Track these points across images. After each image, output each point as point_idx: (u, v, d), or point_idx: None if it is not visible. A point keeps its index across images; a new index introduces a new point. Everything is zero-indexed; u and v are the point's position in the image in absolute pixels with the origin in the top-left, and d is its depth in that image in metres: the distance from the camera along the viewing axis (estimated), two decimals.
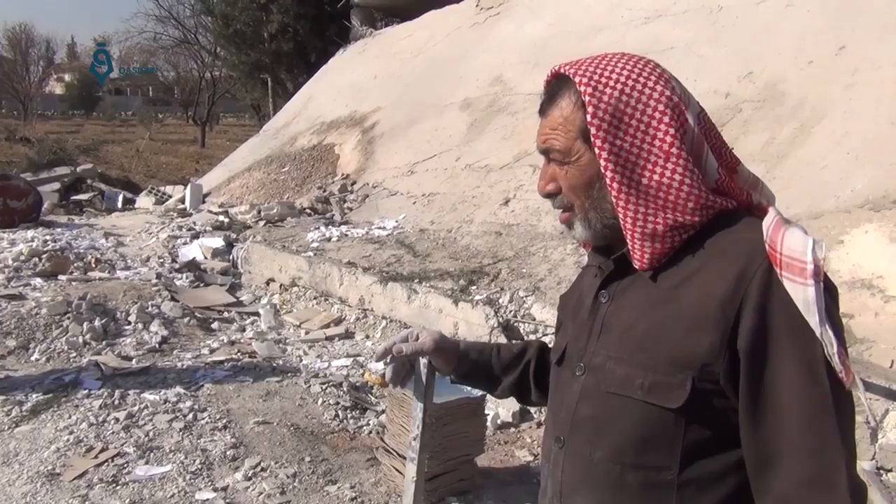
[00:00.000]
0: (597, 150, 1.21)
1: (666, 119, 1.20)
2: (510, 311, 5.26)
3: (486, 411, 4.10)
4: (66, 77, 50.27)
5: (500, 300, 5.37)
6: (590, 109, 1.20)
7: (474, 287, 5.68)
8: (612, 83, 1.21)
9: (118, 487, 3.73)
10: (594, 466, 1.26)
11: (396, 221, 8.00)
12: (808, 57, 6.34)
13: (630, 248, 1.25)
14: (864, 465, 3.48)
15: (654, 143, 1.20)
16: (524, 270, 5.82)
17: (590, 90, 1.21)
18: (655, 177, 1.20)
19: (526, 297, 5.34)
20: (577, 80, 1.23)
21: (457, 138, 9.06)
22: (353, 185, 9.81)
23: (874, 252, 4.32)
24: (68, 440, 4.21)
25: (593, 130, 1.20)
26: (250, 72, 21.28)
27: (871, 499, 3.26)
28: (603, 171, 1.22)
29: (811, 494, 1.09)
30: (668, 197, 1.20)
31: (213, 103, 36.15)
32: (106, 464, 3.95)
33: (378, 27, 15.12)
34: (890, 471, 3.48)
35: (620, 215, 1.23)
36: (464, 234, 7.06)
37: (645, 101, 1.21)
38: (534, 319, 5.14)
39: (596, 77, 1.22)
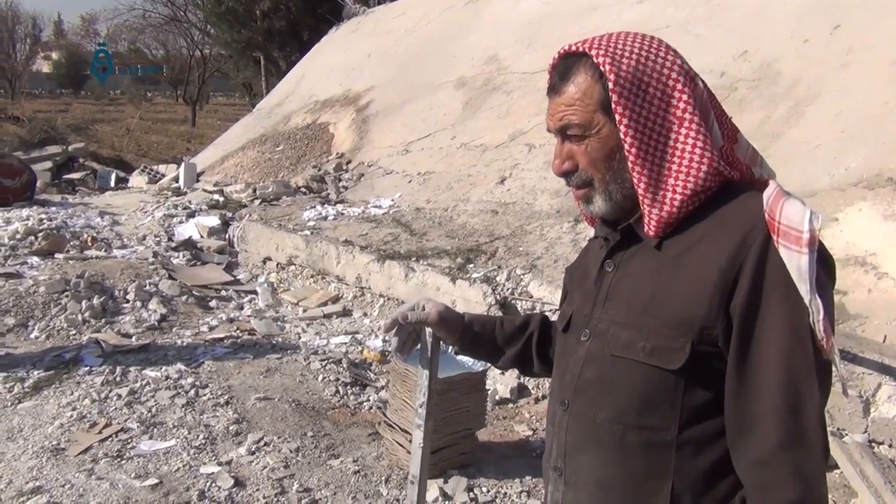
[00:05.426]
0: (618, 119, 1.25)
1: (679, 86, 1.25)
2: (507, 289, 5.31)
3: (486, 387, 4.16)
4: (54, 55, 49.63)
5: (498, 278, 5.42)
6: (611, 78, 1.24)
7: (471, 265, 5.73)
8: (627, 54, 1.25)
9: (123, 462, 3.78)
10: (597, 427, 1.32)
11: (392, 200, 8.02)
12: (802, 36, 6.37)
13: (642, 213, 1.29)
14: (856, 438, 3.57)
15: (669, 110, 1.25)
16: (521, 248, 5.87)
17: (608, 61, 1.25)
18: (671, 142, 1.25)
19: (523, 274, 5.38)
20: (593, 53, 1.26)
21: (452, 117, 9.07)
22: (348, 163, 9.81)
23: (868, 229, 4.38)
24: (72, 416, 4.25)
25: (615, 98, 1.24)
26: (242, 50, 21.15)
27: (864, 470, 3.34)
28: (623, 138, 1.25)
29: (786, 454, 1.15)
30: (682, 161, 1.25)
31: (204, 82, 35.85)
32: (110, 439, 3.99)
33: (371, 5, 15.06)
34: (882, 443, 3.56)
35: (635, 181, 1.27)
36: (460, 213, 7.09)
37: (660, 70, 1.25)
38: (531, 297, 5.19)
39: (612, 50, 1.26)
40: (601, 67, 1.25)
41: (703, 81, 1.29)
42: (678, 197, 1.25)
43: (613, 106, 1.24)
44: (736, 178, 1.29)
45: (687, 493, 1.24)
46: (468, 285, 5.41)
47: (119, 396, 4.50)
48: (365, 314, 6.28)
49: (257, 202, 8.86)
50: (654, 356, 1.24)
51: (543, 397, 4.74)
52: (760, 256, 1.18)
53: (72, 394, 4.55)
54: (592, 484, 1.33)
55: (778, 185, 1.24)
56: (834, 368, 1.22)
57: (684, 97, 1.24)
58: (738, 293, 1.19)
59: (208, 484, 3.58)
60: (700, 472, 1.24)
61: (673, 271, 1.26)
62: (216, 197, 9.33)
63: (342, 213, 7.78)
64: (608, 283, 1.35)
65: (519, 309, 5.19)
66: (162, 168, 13.56)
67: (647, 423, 1.26)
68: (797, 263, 1.15)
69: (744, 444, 1.19)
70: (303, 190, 9.20)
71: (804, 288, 1.15)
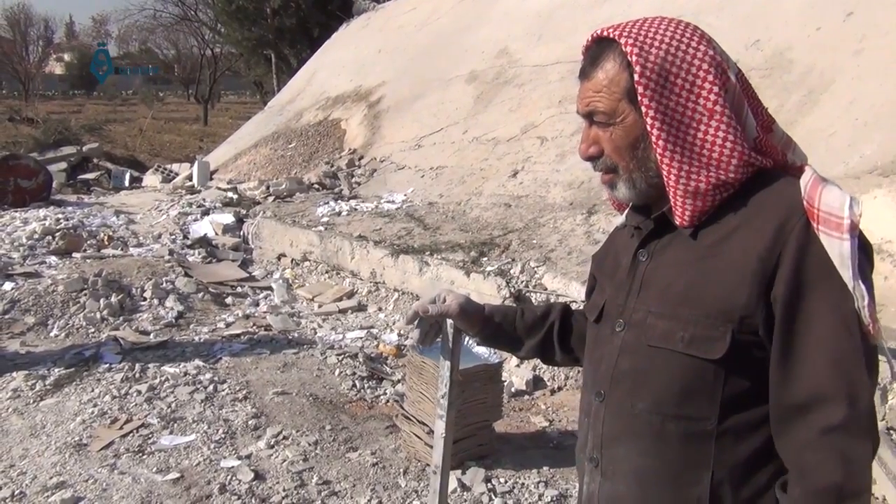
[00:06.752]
0: (643, 109, 1.24)
1: (710, 77, 1.23)
2: (522, 282, 5.32)
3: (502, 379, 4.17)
4: (66, 57, 49.98)
5: (512, 271, 5.44)
6: (637, 69, 1.23)
7: (485, 258, 5.74)
8: (657, 43, 1.24)
9: (145, 457, 3.83)
10: (635, 418, 1.30)
11: (405, 195, 8.04)
12: (815, 24, 6.34)
13: (672, 205, 1.28)
14: None
15: (698, 102, 1.23)
16: (534, 241, 5.88)
17: (636, 50, 1.24)
18: (700, 134, 1.24)
19: (537, 267, 5.39)
20: (622, 41, 1.25)
21: (463, 111, 9.07)
22: (360, 159, 9.84)
23: (883, 217, 4.36)
24: (93, 412, 4.30)
25: (640, 89, 1.23)
26: (253, 48, 21.23)
27: (882, 457, 3.34)
28: (649, 129, 1.24)
29: (833, 439, 1.13)
30: (712, 154, 1.23)
31: (215, 81, 35.99)
32: (131, 434, 4.04)
33: (381, 0, 15.04)
34: None
35: (664, 173, 1.26)
36: (473, 207, 7.10)
37: (689, 61, 1.24)
38: (545, 289, 5.20)
39: (641, 38, 1.25)
40: (628, 57, 1.24)
41: (737, 72, 1.27)
42: (709, 189, 1.24)
43: (639, 97, 1.24)
44: (769, 166, 1.27)
45: (726, 482, 1.24)
46: (482, 278, 5.43)
47: (139, 392, 4.55)
48: (380, 309, 6.31)
49: (271, 199, 8.92)
50: (694, 346, 1.23)
51: (559, 388, 4.75)
52: (801, 244, 1.17)
53: (92, 390, 4.60)
54: (630, 475, 1.32)
55: (814, 172, 1.22)
56: (883, 349, 1.21)
57: (714, 89, 1.23)
58: (779, 281, 1.17)
59: (229, 477, 3.62)
60: (740, 461, 1.24)
61: (709, 260, 1.25)
62: (230, 194, 9.38)
63: (355, 209, 7.82)
64: (642, 272, 1.34)
65: (534, 301, 5.20)
66: (175, 167, 13.61)
67: (687, 412, 1.25)
68: (839, 250, 1.14)
69: (791, 429, 1.18)
70: (316, 186, 9.24)
71: (847, 274, 1.14)
